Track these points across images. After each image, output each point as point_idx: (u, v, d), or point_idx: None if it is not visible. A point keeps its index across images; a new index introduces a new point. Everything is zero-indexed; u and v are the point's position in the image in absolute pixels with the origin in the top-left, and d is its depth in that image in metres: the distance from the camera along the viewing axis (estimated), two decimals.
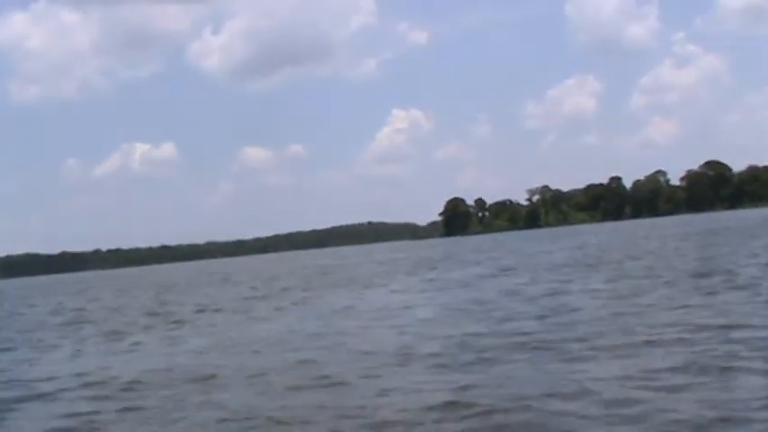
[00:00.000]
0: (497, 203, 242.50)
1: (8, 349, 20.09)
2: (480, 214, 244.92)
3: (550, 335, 13.72)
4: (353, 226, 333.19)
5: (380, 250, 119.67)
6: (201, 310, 27.19)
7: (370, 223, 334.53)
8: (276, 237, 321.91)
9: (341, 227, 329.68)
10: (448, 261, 51.49)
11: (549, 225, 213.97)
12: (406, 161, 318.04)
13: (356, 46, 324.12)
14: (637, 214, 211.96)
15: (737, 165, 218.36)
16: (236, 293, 36.16)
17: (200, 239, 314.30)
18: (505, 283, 25.88)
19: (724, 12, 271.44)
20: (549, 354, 11.99)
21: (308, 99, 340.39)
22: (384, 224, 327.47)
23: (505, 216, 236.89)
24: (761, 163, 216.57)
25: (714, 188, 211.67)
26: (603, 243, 56.59)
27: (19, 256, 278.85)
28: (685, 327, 13.20)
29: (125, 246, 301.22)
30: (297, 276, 49.33)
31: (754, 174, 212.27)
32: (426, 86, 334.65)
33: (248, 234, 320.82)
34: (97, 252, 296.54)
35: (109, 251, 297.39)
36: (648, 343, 12.18)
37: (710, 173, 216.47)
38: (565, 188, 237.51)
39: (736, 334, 12.17)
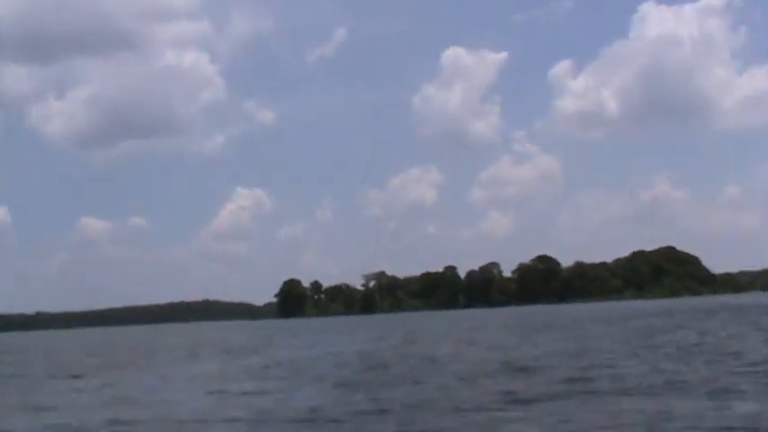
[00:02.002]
0: (333, 287, 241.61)
1: None
2: (316, 297, 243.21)
3: None
4: (190, 303, 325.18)
5: (198, 330, 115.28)
6: None
7: (206, 301, 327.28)
8: (111, 310, 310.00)
9: (178, 303, 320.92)
10: (238, 349, 48.41)
11: (383, 311, 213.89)
12: (247, 240, 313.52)
13: (204, 121, 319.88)
14: (470, 304, 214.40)
15: (566, 260, 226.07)
16: None
17: (29, 309, 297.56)
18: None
19: (560, 115, 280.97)
20: None
21: (152, 171, 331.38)
22: (221, 302, 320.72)
23: (341, 300, 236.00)
24: (587, 260, 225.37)
25: (544, 282, 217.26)
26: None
27: None
28: None
29: None
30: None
31: (581, 270, 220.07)
32: (272, 166, 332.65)
33: (82, 306, 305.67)
34: None
35: None
36: None
37: (541, 267, 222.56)
38: (401, 275, 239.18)
39: None
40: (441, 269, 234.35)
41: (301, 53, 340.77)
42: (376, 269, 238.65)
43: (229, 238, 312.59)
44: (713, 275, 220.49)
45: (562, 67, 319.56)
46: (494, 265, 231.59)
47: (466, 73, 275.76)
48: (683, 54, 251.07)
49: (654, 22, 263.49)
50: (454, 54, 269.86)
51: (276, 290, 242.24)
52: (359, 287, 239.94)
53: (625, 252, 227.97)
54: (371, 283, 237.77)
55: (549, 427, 13.11)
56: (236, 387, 22.28)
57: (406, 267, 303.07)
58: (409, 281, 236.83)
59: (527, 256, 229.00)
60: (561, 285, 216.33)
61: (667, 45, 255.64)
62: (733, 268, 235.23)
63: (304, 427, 14.57)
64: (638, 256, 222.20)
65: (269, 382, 23.91)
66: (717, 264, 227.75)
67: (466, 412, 14.90)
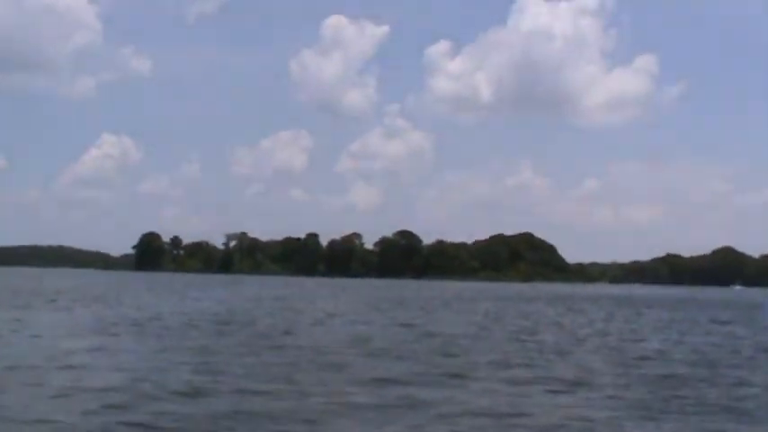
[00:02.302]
0: (193, 244, 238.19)
1: None
2: (175, 252, 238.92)
3: None
4: (44, 248, 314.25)
5: (48, 276, 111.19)
6: None
7: (61, 247, 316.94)
8: None
9: (30, 247, 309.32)
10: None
11: (242, 272, 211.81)
12: (110, 188, 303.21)
13: (76, 63, 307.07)
14: (329, 272, 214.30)
15: (428, 238, 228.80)
16: None
17: None
18: None
19: (434, 95, 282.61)
20: None
21: (17, 109, 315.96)
22: (77, 250, 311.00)
23: (200, 257, 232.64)
24: (448, 239, 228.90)
25: (405, 257, 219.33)
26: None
27: None
28: None
29: None
30: None
31: (442, 248, 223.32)
32: (142, 116, 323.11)
33: None
34: None
35: None
36: None
37: (402, 242, 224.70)
38: (263, 238, 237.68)
39: None
40: (303, 235, 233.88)
41: (184, 7, 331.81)
42: (238, 229, 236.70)
43: (91, 184, 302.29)
44: (567, 264, 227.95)
45: (440, 47, 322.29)
46: (356, 236, 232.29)
47: (346, 43, 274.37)
48: (555, 49, 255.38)
49: (531, 15, 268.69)
50: (336, 23, 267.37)
51: (135, 242, 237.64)
52: (219, 246, 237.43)
53: (485, 234, 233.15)
54: (232, 243, 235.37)
55: (384, 412, 12.57)
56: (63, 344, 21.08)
57: (268, 230, 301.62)
58: (270, 244, 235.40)
59: (390, 230, 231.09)
60: (421, 262, 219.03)
61: (541, 38, 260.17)
62: (585, 259, 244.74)
63: (123, 390, 13.63)
64: (498, 239, 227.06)
65: (101, 339, 22.75)
66: (570, 253, 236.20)
67: (305, 393, 14.23)
